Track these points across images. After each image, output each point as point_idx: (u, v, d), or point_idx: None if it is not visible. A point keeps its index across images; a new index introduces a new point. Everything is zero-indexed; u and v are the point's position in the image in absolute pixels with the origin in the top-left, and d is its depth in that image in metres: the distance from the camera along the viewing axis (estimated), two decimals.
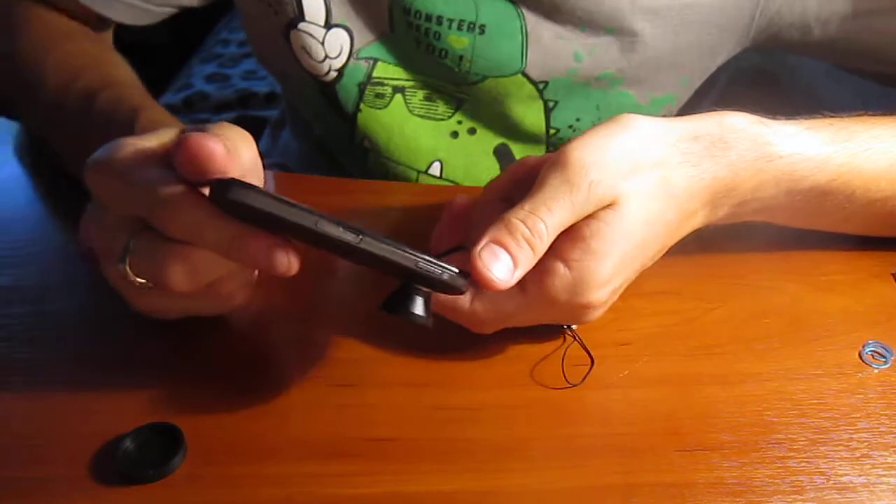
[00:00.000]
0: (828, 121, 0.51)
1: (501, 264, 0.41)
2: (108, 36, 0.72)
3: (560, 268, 0.43)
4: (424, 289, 0.41)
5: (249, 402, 0.45)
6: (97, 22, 0.69)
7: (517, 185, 0.48)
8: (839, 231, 0.56)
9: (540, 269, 0.43)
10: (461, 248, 0.45)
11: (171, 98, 1.16)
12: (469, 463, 0.42)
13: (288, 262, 0.39)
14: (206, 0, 0.71)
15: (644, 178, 0.44)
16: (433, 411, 0.45)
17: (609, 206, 0.43)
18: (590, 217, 0.44)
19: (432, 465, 0.42)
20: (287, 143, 0.87)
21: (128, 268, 0.41)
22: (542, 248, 0.43)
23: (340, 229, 0.37)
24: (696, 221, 0.48)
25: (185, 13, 0.73)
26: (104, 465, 0.41)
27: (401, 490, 0.41)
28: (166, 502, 0.40)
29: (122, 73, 0.63)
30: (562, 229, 0.43)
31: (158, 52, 1.25)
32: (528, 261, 0.42)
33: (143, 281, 0.42)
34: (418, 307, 0.41)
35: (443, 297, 0.44)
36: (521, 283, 0.43)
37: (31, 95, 0.62)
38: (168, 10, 0.71)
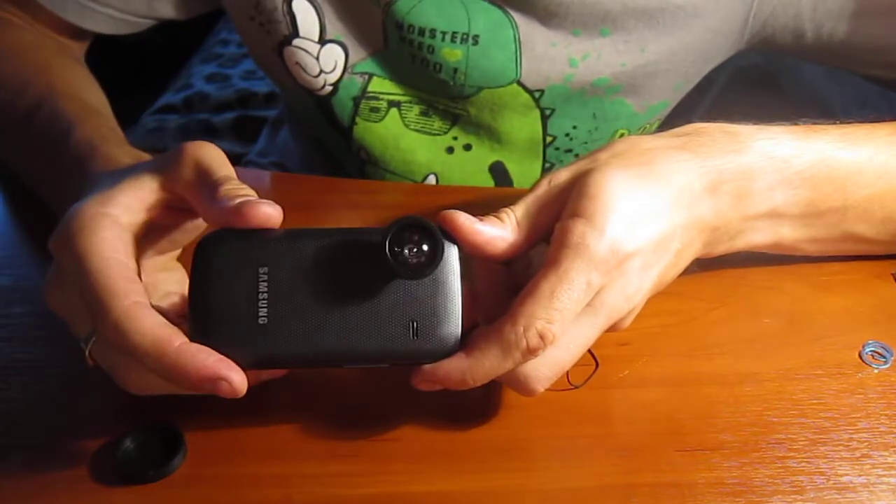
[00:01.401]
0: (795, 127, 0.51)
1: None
2: (76, 46, 0.71)
3: (571, 222, 0.40)
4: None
5: (249, 402, 0.45)
6: (75, 32, 0.69)
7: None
8: (848, 247, 0.54)
9: (556, 243, 0.40)
10: (474, 326, 0.42)
11: (171, 98, 1.15)
12: (469, 463, 0.42)
13: (233, 392, 0.37)
14: (188, 15, 0.71)
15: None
16: (433, 411, 0.45)
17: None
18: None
19: (432, 465, 0.42)
20: (285, 142, 0.87)
21: (88, 354, 0.41)
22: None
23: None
24: (702, 209, 0.45)
25: None
26: (104, 465, 0.41)
27: (401, 490, 0.41)
28: (166, 502, 0.40)
29: (69, 85, 0.61)
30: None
31: (158, 52, 1.25)
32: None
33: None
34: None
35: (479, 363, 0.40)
36: (541, 277, 0.39)
37: None
38: (148, 22, 0.70)
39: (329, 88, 0.66)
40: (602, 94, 0.64)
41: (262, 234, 0.39)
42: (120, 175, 0.42)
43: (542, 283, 0.39)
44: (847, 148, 0.49)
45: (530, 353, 0.39)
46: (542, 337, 0.39)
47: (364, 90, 0.66)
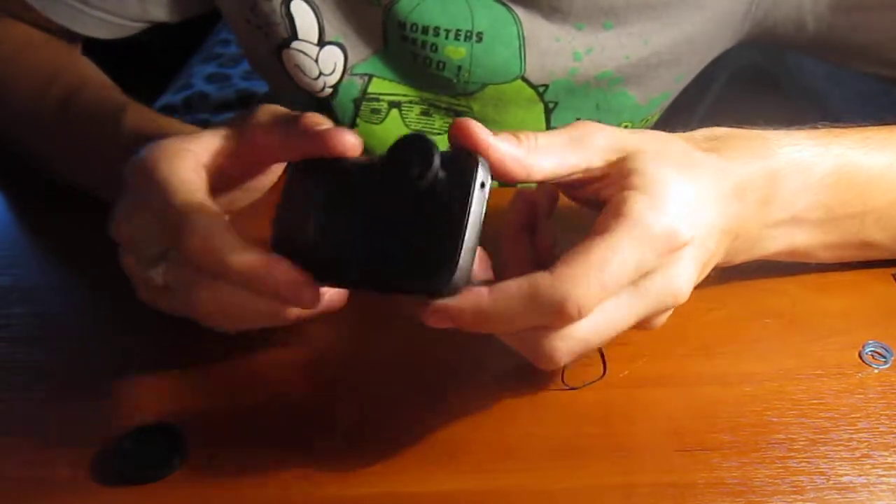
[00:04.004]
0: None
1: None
2: (78, 47, 0.71)
3: (628, 193, 0.39)
4: None
5: (249, 402, 0.46)
6: (68, 36, 0.68)
7: (529, 220, 0.46)
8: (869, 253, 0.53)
9: (611, 213, 0.39)
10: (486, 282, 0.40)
11: (171, 98, 1.15)
12: (469, 463, 0.42)
13: (311, 296, 0.38)
14: (181, 18, 0.70)
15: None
16: (433, 411, 0.45)
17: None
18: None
19: (432, 465, 0.42)
20: None
21: (160, 273, 0.41)
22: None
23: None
24: (730, 213, 0.44)
25: None
26: (104, 465, 0.41)
27: (401, 490, 0.41)
28: (166, 502, 0.40)
29: (99, 76, 0.63)
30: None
31: (158, 52, 1.25)
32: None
33: (167, 288, 0.41)
34: None
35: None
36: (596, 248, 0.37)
37: None
38: (142, 25, 0.70)
39: (329, 91, 0.66)
40: (605, 86, 0.65)
41: (335, 164, 0.40)
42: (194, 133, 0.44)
43: (593, 249, 0.37)
44: (868, 153, 0.49)
45: (561, 318, 0.37)
46: (580, 308, 0.36)
47: (364, 91, 0.66)
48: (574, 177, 0.41)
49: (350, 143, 0.39)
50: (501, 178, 0.40)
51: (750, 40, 0.66)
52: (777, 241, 0.48)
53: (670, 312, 0.42)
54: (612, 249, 0.37)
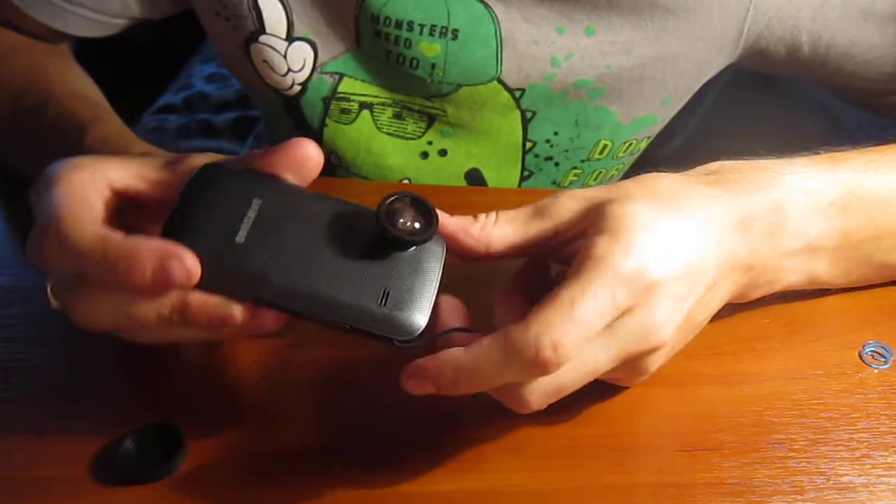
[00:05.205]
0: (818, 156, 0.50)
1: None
2: (65, 47, 0.70)
3: (597, 237, 0.39)
4: None
5: (249, 402, 0.46)
6: (54, 35, 0.68)
7: (529, 284, 0.44)
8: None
9: (580, 258, 0.39)
10: (463, 329, 0.40)
11: (171, 98, 1.15)
12: (469, 463, 0.42)
13: (185, 272, 0.35)
14: (160, 15, 0.69)
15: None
16: (433, 411, 0.45)
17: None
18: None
19: (432, 465, 0.42)
20: None
21: (49, 291, 0.40)
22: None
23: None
24: (733, 245, 0.44)
25: (183, 14, 0.72)
26: (104, 465, 0.41)
27: (401, 490, 0.41)
28: (166, 502, 0.40)
29: (73, 85, 0.62)
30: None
31: (158, 52, 1.25)
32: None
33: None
34: None
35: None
36: (565, 288, 0.37)
37: None
38: (124, 22, 0.69)
39: (297, 88, 0.65)
40: (585, 97, 0.63)
41: (266, 174, 0.39)
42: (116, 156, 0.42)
43: (562, 292, 0.37)
44: (874, 176, 0.49)
45: (538, 365, 0.35)
46: (555, 348, 0.35)
47: (334, 90, 0.64)
48: (549, 242, 0.42)
49: (313, 151, 0.39)
50: (461, 254, 0.42)
51: (740, 64, 0.65)
52: (795, 272, 0.47)
53: (661, 355, 0.41)
54: (581, 290, 0.37)
